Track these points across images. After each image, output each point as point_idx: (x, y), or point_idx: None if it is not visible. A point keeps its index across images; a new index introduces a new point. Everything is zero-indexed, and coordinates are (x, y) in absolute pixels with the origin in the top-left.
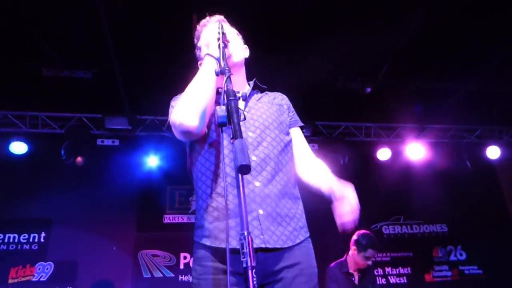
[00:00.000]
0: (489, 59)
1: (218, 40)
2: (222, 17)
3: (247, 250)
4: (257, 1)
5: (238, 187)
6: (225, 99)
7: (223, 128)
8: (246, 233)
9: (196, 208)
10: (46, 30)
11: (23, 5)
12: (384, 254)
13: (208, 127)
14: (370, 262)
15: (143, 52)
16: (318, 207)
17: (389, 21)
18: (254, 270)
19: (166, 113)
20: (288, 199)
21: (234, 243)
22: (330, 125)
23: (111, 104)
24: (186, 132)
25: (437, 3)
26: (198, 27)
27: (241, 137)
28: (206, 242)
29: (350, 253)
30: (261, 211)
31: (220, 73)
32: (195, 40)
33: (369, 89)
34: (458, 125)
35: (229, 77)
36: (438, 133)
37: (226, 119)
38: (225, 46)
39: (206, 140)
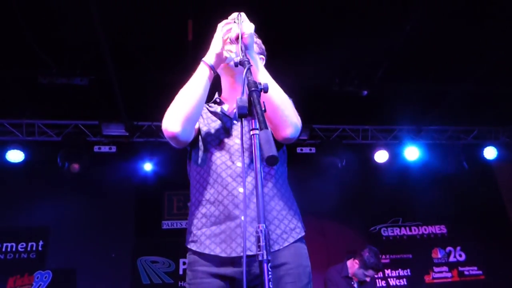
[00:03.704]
0: (485, 60)
1: (225, 38)
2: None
3: (263, 243)
4: (253, 5)
5: (227, 195)
6: (247, 89)
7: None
8: (263, 226)
9: (189, 213)
10: (42, 37)
11: (18, 13)
12: (384, 256)
13: (205, 136)
14: (368, 279)
15: (139, 58)
16: (318, 208)
17: (385, 24)
18: (269, 264)
19: (162, 119)
20: (278, 200)
21: (218, 250)
22: (327, 128)
23: (107, 111)
24: (171, 138)
25: (432, 6)
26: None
27: (266, 127)
28: (192, 247)
29: (352, 261)
30: (243, 218)
31: (239, 64)
32: None
33: (365, 92)
34: (455, 126)
35: (249, 69)
36: (435, 134)
37: (247, 110)
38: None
39: (201, 148)
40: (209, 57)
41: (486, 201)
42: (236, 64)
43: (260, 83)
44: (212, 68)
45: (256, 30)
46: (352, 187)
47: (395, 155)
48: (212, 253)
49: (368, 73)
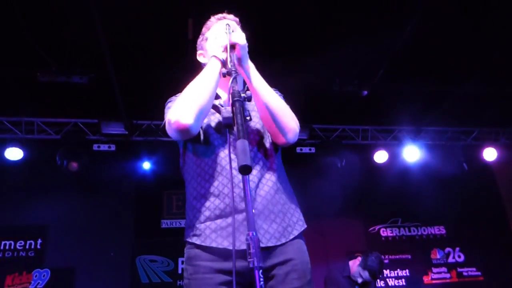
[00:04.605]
0: (485, 61)
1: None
2: (237, 19)
3: (254, 250)
4: (254, 5)
5: (232, 187)
6: (230, 99)
7: (224, 131)
8: (253, 233)
9: (188, 208)
10: (42, 35)
11: (18, 11)
12: (382, 257)
13: (206, 129)
14: (359, 280)
15: (139, 57)
16: (317, 208)
17: (385, 24)
18: (261, 271)
19: (162, 118)
20: (281, 194)
21: (225, 244)
22: (327, 128)
23: (107, 109)
24: (181, 130)
25: (433, 7)
26: (212, 19)
27: (244, 137)
28: (196, 241)
29: (354, 261)
30: (253, 210)
31: (226, 74)
32: (204, 29)
33: (365, 92)
34: (454, 127)
35: (235, 78)
36: (435, 135)
37: (232, 120)
38: (233, 48)
39: (202, 141)
40: (219, 53)
41: (485, 202)
42: (224, 75)
43: (244, 92)
44: (224, 63)
45: (257, 30)
46: (351, 187)
47: (394, 156)
48: (220, 246)
49: (368, 73)
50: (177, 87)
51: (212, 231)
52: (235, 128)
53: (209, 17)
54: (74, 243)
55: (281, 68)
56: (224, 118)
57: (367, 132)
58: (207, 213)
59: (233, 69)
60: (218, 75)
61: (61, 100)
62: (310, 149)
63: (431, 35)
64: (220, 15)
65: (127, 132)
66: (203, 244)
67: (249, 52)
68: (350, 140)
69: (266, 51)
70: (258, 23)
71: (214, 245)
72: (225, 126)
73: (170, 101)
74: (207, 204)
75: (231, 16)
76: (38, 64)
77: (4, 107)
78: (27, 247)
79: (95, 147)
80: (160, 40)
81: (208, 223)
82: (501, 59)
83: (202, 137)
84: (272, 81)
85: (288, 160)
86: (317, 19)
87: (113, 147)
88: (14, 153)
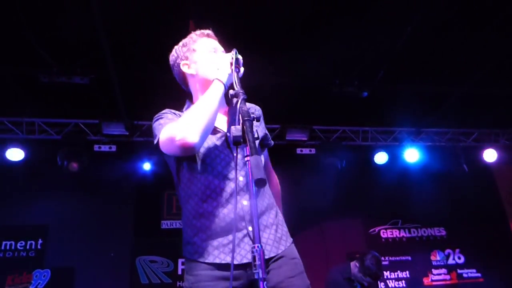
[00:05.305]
0: (485, 62)
1: (231, 65)
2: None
3: (259, 262)
4: (253, 5)
5: (232, 208)
6: (240, 119)
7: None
8: (258, 246)
9: (187, 226)
10: (43, 35)
11: (19, 11)
12: (383, 258)
13: (203, 149)
14: (366, 284)
15: (140, 57)
16: (317, 210)
17: (386, 25)
18: (265, 282)
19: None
20: (271, 211)
21: (228, 259)
22: (327, 129)
23: (108, 110)
24: (186, 148)
25: (433, 8)
26: (197, 32)
27: (257, 153)
28: (199, 258)
29: (355, 262)
30: (250, 228)
31: (234, 95)
32: (188, 40)
33: (366, 93)
34: (455, 128)
35: (243, 99)
36: (435, 136)
37: (242, 138)
38: (238, 70)
39: (199, 160)
40: (223, 76)
41: (485, 203)
42: (232, 96)
43: (253, 113)
44: (226, 86)
45: (257, 31)
46: (351, 188)
47: (395, 157)
48: (223, 262)
49: (368, 75)
50: (178, 88)
51: (214, 248)
52: (238, 147)
53: (209, 17)
54: (75, 244)
55: (281, 68)
56: (234, 137)
57: (367, 133)
58: (208, 232)
59: (241, 91)
60: (221, 96)
61: (62, 101)
62: (310, 150)
63: (431, 36)
64: (204, 31)
65: (128, 133)
66: (206, 261)
67: (249, 50)
68: (350, 141)
69: (266, 52)
70: (258, 23)
71: (217, 261)
72: (234, 144)
73: (161, 118)
74: (208, 223)
75: (213, 34)
76: (39, 65)
77: (5, 108)
78: (27, 247)
79: (96, 147)
80: (161, 41)
81: (209, 240)
82: (501, 60)
83: (199, 156)
84: (273, 81)
85: (288, 161)
86: (317, 19)
87: (113, 148)
88: (15, 154)
